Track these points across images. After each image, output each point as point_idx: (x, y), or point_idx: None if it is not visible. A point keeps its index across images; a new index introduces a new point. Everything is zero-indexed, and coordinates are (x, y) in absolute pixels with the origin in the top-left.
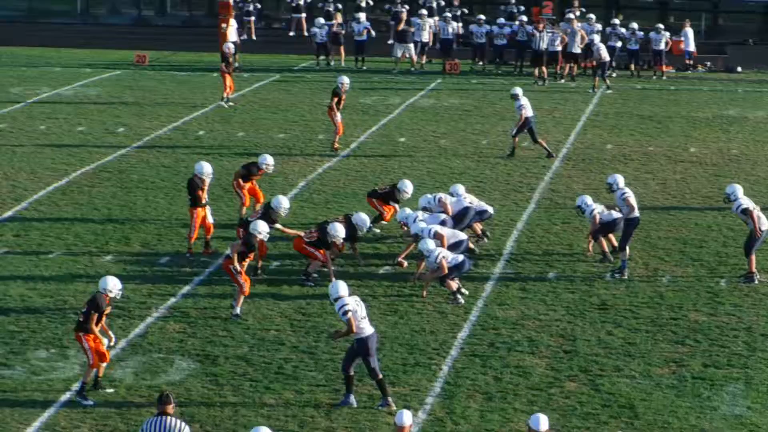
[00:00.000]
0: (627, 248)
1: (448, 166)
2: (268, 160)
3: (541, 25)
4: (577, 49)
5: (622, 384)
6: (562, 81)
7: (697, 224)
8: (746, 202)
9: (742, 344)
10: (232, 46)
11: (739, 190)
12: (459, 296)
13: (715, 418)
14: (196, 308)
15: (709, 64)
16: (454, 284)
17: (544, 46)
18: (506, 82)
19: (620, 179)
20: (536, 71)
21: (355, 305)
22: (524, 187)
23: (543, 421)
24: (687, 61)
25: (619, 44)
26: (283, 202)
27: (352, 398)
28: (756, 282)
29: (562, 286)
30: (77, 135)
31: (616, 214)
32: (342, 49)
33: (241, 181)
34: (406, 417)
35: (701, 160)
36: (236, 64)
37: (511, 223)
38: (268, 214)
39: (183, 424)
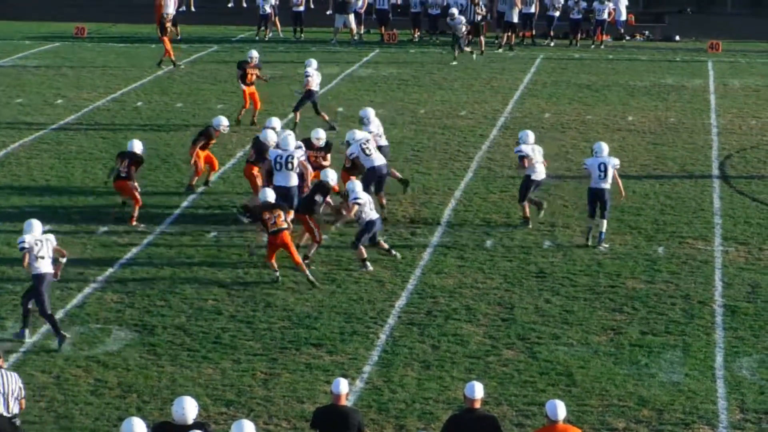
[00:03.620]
0: (524, 203)
1: (386, 135)
2: (223, 121)
3: None
4: (515, 19)
5: (560, 352)
6: (500, 50)
7: (635, 192)
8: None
9: (679, 311)
10: (172, 12)
11: (605, 148)
12: (368, 264)
13: (652, 385)
14: (133, 278)
15: (647, 32)
16: (364, 252)
17: (479, 17)
18: (444, 52)
19: (530, 136)
20: (502, 38)
21: (33, 242)
22: (462, 156)
23: (478, 389)
24: (620, 31)
25: (557, 14)
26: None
27: (26, 332)
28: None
29: (500, 254)
30: (15, 107)
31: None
32: (277, 19)
33: (199, 150)
34: (342, 385)
35: (639, 129)
36: (178, 37)
37: (449, 192)
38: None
39: (15, 375)
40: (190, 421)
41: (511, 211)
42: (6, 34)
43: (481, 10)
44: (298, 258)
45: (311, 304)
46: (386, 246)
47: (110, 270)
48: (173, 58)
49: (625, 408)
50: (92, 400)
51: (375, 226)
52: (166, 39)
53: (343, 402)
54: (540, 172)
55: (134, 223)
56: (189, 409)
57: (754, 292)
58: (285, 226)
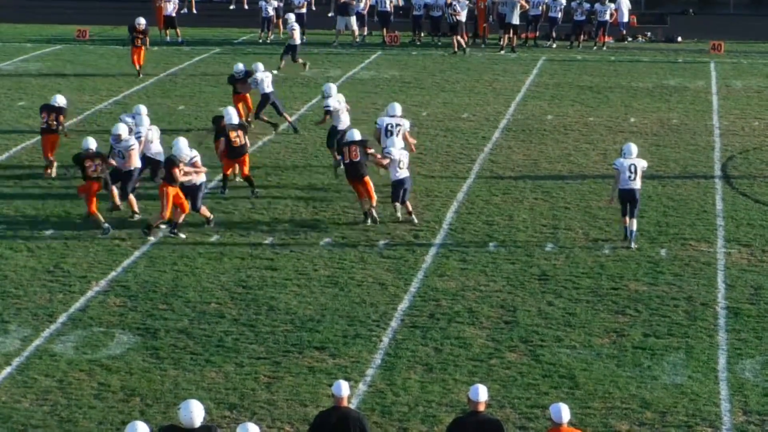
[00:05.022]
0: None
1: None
2: (240, 67)
3: None
4: (516, 20)
5: (563, 354)
6: (502, 52)
7: None
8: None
9: (682, 314)
10: (143, 23)
11: (634, 150)
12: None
13: (655, 388)
14: (136, 282)
15: (649, 34)
16: (398, 209)
17: (455, 19)
18: (446, 54)
19: (332, 89)
20: (504, 40)
21: None
22: (464, 159)
23: (482, 391)
24: (622, 33)
25: (559, 15)
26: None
27: None
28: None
29: (503, 256)
30: (17, 110)
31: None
32: (281, 22)
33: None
34: (344, 388)
35: (641, 131)
36: (167, 38)
37: (451, 194)
38: None
39: None
40: (197, 424)
41: (513, 213)
42: (7, 37)
43: (454, 11)
44: (93, 209)
45: (314, 307)
46: (410, 209)
47: (113, 273)
48: (138, 67)
49: (628, 410)
50: (96, 404)
51: (404, 184)
52: (134, 50)
53: (345, 404)
54: (344, 122)
55: (51, 173)
56: (196, 412)
57: (757, 294)
58: (99, 176)
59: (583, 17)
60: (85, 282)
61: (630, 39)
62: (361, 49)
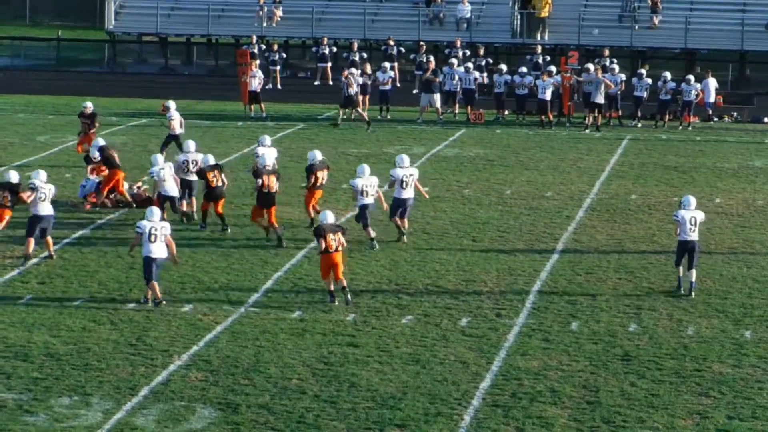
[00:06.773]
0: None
1: (471, 216)
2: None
3: (545, 76)
4: (601, 99)
5: None
6: (587, 131)
7: (722, 275)
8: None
9: (767, 396)
10: (89, 105)
11: (693, 201)
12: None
13: None
14: (218, 357)
15: (735, 114)
16: (371, 233)
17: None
18: (530, 132)
19: (159, 159)
20: (588, 119)
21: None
22: (548, 237)
23: None
24: (708, 113)
25: (645, 95)
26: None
27: None
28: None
29: (585, 336)
30: None
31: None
32: (367, 98)
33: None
34: None
35: (726, 211)
36: (252, 114)
37: (534, 273)
38: None
39: None
40: None
41: (597, 293)
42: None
43: (349, 83)
44: None
45: (395, 384)
46: (372, 235)
47: (195, 347)
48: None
49: None
50: None
51: (368, 209)
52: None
53: None
54: (171, 189)
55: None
56: None
57: None
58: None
59: (669, 97)
60: (167, 356)
61: (716, 119)
62: (444, 126)
